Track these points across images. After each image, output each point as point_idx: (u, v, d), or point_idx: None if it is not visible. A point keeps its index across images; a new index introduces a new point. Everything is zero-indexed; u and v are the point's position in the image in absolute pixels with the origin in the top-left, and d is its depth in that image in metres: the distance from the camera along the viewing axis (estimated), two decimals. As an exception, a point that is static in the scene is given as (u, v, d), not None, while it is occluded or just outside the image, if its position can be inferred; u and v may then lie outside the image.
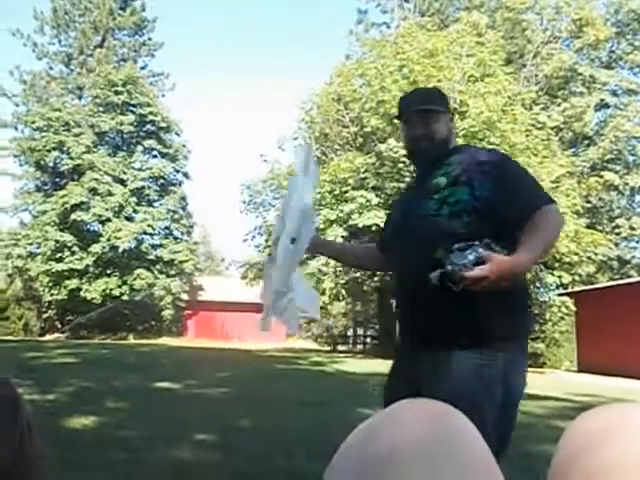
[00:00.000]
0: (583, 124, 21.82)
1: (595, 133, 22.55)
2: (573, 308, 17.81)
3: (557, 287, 18.56)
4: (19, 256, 27.73)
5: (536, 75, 20.77)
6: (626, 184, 21.69)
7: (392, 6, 27.82)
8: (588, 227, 17.33)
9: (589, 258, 16.33)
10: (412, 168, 16.08)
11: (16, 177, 31.35)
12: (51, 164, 29.54)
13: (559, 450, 0.49)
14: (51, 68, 32.94)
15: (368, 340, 32.40)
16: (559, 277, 17.08)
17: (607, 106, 22.67)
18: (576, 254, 15.72)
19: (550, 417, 5.91)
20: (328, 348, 29.70)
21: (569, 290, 18.15)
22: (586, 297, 17.52)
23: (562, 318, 18.48)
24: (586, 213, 18.77)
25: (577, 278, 17.52)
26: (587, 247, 16.06)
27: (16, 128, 31.39)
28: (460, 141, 15.65)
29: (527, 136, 16.24)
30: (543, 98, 20.09)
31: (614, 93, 22.54)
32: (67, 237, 27.33)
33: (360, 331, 35.43)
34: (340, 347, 31.11)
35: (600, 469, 0.42)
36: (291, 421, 5.19)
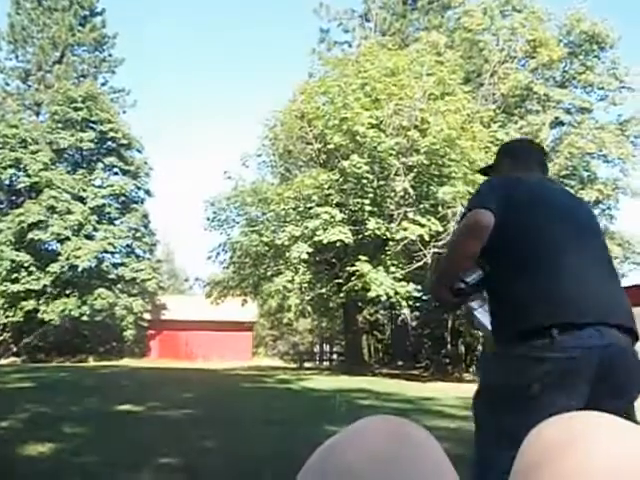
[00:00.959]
0: (539, 141, 22.51)
1: (551, 150, 23.27)
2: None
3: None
4: (-27, 277, 26.70)
5: (493, 94, 21.37)
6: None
7: (353, 25, 28.32)
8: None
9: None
10: (375, 184, 16.30)
11: (-30, 195, 30.31)
12: (7, 182, 28.69)
13: (519, 457, 0.49)
14: (7, 84, 32.21)
15: (334, 357, 32.34)
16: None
17: (562, 123, 23.45)
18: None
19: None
20: (294, 365, 29.51)
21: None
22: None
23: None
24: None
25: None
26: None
27: (-30, 145, 30.44)
28: (422, 158, 15.95)
29: (486, 153, 16.65)
30: (501, 116, 20.66)
31: (568, 111, 23.35)
32: (24, 257, 26.49)
33: (326, 348, 35.36)
34: (306, 364, 30.94)
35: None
36: (257, 440, 5.11)
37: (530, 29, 21.40)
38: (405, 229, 15.58)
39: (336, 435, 0.49)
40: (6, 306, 26.89)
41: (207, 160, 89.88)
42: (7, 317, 27.13)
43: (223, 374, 16.11)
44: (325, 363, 33.09)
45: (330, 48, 28.38)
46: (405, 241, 15.67)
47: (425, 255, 15.55)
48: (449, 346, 24.97)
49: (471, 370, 23.16)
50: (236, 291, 21.32)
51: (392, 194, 16.62)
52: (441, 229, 15.40)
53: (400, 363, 26.11)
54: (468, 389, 13.41)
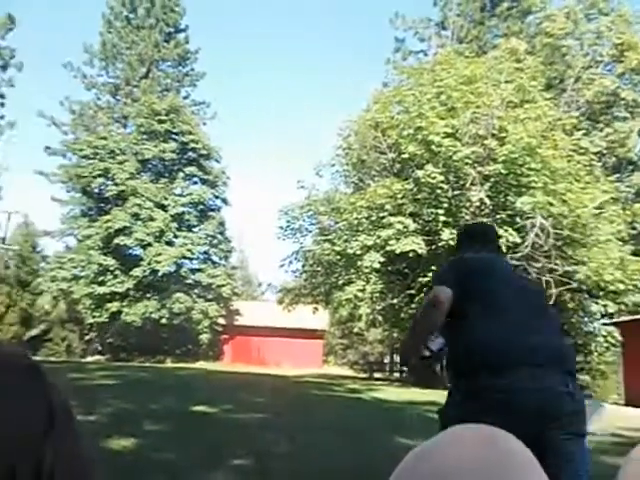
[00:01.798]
0: (627, 149, 21.32)
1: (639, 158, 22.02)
2: (619, 338, 17.17)
3: (602, 316, 17.96)
4: (64, 279, 28.54)
5: (577, 100, 20.48)
6: (673, 210, 20.97)
7: (429, 34, 28.05)
8: (634, 254, 16.78)
9: (635, 286, 15.77)
10: (450, 194, 15.99)
11: (63, 203, 32.52)
12: (96, 190, 30.54)
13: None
14: (99, 98, 34.37)
15: (405, 368, 31.87)
16: (604, 306, 16.54)
17: (652, 130, 22.11)
18: (621, 282, 15.22)
19: (597, 452, 5.66)
20: (364, 375, 29.35)
21: (615, 320, 17.52)
22: (633, 327, 16.87)
23: (608, 349, 17.82)
24: (631, 240, 18.19)
25: (623, 307, 16.93)
26: (633, 275, 15.54)
27: (64, 156, 32.68)
28: (499, 167, 15.50)
29: (569, 162, 15.96)
30: (585, 123, 19.75)
31: (659, 117, 21.99)
32: (110, 261, 28.06)
33: (397, 359, 34.91)
34: (376, 374, 30.70)
35: None
36: (327, 448, 5.13)
37: (617, 32, 20.39)
38: (481, 240, 15.17)
39: (428, 442, 0.51)
40: (93, 307, 28.54)
41: (281, 169, 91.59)
42: (93, 317, 28.79)
43: (294, 381, 16.28)
44: (395, 374, 32.69)
45: (405, 57, 28.26)
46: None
47: (502, 267, 15.07)
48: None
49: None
50: (308, 299, 21.53)
51: (467, 204, 16.24)
52: (519, 240, 14.86)
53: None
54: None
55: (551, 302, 15.17)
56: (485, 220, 15.73)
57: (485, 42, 26.58)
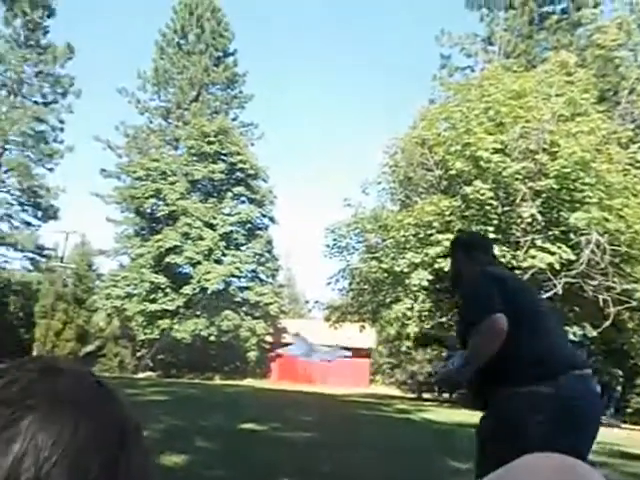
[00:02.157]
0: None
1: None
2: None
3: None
4: (118, 296, 29.45)
5: (632, 112, 19.79)
6: None
7: (476, 50, 27.81)
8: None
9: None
10: (499, 210, 15.65)
11: (117, 223, 33.70)
12: (149, 210, 31.53)
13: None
14: (151, 122, 35.65)
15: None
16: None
17: None
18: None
19: None
20: (412, 395, 28.83)
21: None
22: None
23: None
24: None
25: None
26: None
27: (119, 178, 33.95)
28: (551, 182, 15.11)
29: (625, 176, 15.41)
30: (641, 136, 19.06)
31: None
32: (161, 279, 28.80)
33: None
34: (425, 395, 30.10)
35: None
36: (377, 469, 5.05)
37: (674, 42, 19.69)
38: (533, 257, 14.75)
39: (500, 471, 0.50)
40: (144, 324, 29.30)
41: (328, 188, 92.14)
42: (145, 334, 29.53)
43: (341, 400, 16.15)
44: (444, 395, 31.96)
45: (452, 74, 28.08)
46: (533, 270, 14.83)
47: (555, 285, 14.57)
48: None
49: (607, 413, 21.11)
50: (354, 317, 21.41)
51: (518, 220, 15.87)
52: (573, 257, 14.38)
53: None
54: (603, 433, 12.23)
55: (609, 322, 14.58)
56: (537, 237, 15.34)
57: (534, 56, 26.12)
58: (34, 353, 30.61)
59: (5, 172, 31.03)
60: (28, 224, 32.09)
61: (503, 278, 2.52)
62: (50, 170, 32.49)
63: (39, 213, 31.98)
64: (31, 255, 32.02)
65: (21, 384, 0.44)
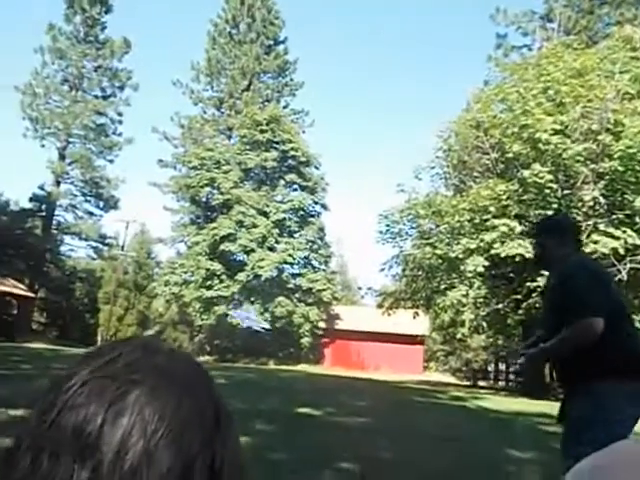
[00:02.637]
0: None
1: None
2: None
3: None
4: (175, 283, 30.35)
5: None
6: None
7: (534, 27, 26.81)
8: None
9: None
10: (559, 194, 15.12)
11: (174, 211, 34.63)
12: (204, 199, 32.24)
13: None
14: (205, 112, 36.30)
15: (511, 377, 30.55)
16: None
17: None
18: None
19: None
20: (467, 383, 28.48)
21: None
22: None
23: None
24: None
25: None
26: None
27: (175, 167, 34.87)
28: (615, 164, 14.45)
29: (696, 156, 14.57)
30: None
31: None
32: (216, 266, 29.45)
33: (502, 367, 33.56)
34: (480, 382, 29.67)
35: None
36: (433, 456, 5.04)
37: None
38: (596, 242, 14.19)
39: (599, 454, 0.49)
40: (201, 310, 30.09)
41: (380, 173, 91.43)
42: (202, 320, 30.34)
43: (394, 386, 16.14)
44: (500, 383, 31.40)
45: (507, 53, 27.21)
46: (595, 255, 14.27)
47: (620, 271, 13.97)
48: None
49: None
50: (408, 303, 21.27)
51: (579, 204, 15.28)
52: (639, 242, 13.75)
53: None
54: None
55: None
56: (599, 221, 14.76)
57: (596, 32, 24.95)
58: (98, 338, 32.07)
59: (69, 164, 32.41)
60: (91, 214, 33.52)
61: (601, 272, 2.64)
62: (110, 161, 33.78)
63: (101, 203, 33.30)
64: (94, 244, 33.45)
65: (125, 360, 0.46)
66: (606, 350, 2.42)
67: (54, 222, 32.51)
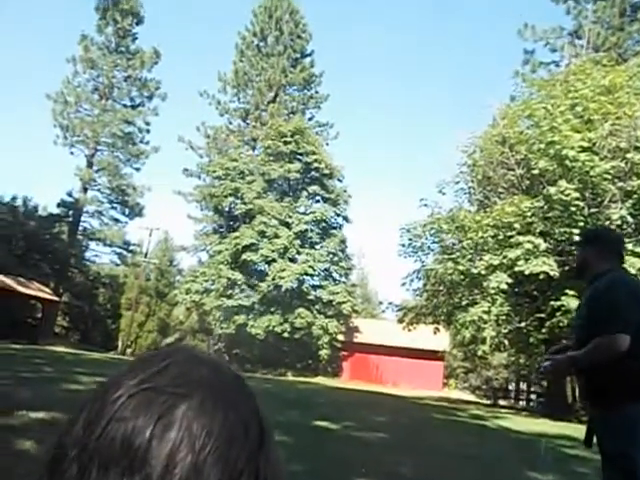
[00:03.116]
0: None
1: None
2: None
3: None
4: (196, 291, 30.56)
5: None
6: None
7: (562, 44, 26.62)
8: None
9: None
10: (586, 212, 14.89)
11: (197, 220, 34.98)
12: (227, 208, 32.52)
13: None
14: (230, 123, 36.73)
15: (533, 397, 29.98)
16: None
17: None
18: None
19: None
20: (487, 402, 28.01)
21: None
22: None
23: None
24: None
25: None
26: None
27: (199, 177, 35.27)
28: (644, 183, 14.20)
29: None
30: None
31: None
32: (237, 275, 29.60)
33: (523, 386, 32.97)
34: (501, 401, 29.17)
35: None
36: (452, 474, 4.96)
37: None
38: (622, 262, 13.94)
39: None
40: (221, 319, 30.21)
41: (404, 187, 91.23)
42: (222, 329, 30.45)
43: (413, 402, 15.95)
44: (521, 402, 30.83)
45: (535, 69, 27.03)
46: (622, 275, 14.01)
47: (647, 292, 13.68)
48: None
49: None
50: (428, 319, 21.07)
51: (607, 222, 15.02)
52: (667, 263, 13.47)
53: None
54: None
55: None
56: (627, 241, 14.49)
57: (625, 49, 24.68)
58: (119, 343, 32.40)
59: (96, 172, 33.02)
60: (116, 220, 34.04)
61: (637, 291, 2.63)
62: (137, 170, 34.34)
63: (126, 210, 33.80)
64: (118, 250, 33.92)
65: (173, 372, 0.45)
66: (622, 371, 2.44)
67: (80, 228, 33.10)
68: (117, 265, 35.31)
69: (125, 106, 33.78)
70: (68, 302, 32.86)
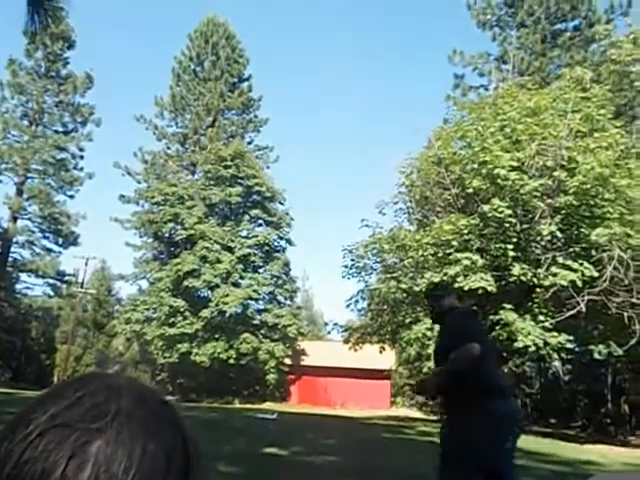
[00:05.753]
0: None
1: None
2: None
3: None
4: (137, 321, 29.61)
5: (650, 126, 19.62)
6: None
7: (489, 68, 27.93)
8: None
9: None
10: (518, 228, 15.48)
11: (136, 247, 34.05)
12: (167, 235, 31.85)
13: None
14: (169, 147, 36.20)
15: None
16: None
17: None
18: None
19: None
20: (434, 417, 28.35)
21: None
22: None
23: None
24: None
25: None
26: None
27: (137, 203, 34.42)
28: (570, 199, 14.96)
29: (646, 190, 15.20)
30: (661, 150, 18.83)
31: None
32: (180, 302, 28.91)
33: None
34: (447, 417, 29.59)
35: None
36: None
37: (691, 55, 19.57)
38: (554, 275, 14.54)
39: None
40: (164, 348, 29.34)
41: (344, 208, 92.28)
42: (164, 358, 29.55)
43: (362, 422, 15.95)
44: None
45: (465, 93, 28.17)
46: (554, 288, 14.61)
47: (578, 303, 14.31)
48: (610, 404, 22.48)
49: (639, 433, 20.55)
50: (374, 338, 21.20)
51: (538, 238, 15.69)
52: (596, 274, 14.14)
53: (552, 421, 23.97)
54: (636, 455, 11.89)
55: (635, 339, 14.25)
56: (557, 254, 15.18)
57: (548, 73, 26.15)
58: (54, 379, 30.81)
59: (27, 200, 31.63)
60: (49, 250, 32.57)
61: (477, 319, 3.81)
62: (71, 197, 33.10)
63: (60, 239, 32.46)
64: (52, 281, 32.40)
65: (85, 405, 0.42)
66: (471, 382, 3.20)
67: (10, 259, 31.47)
68: (50, 297, 33.70)
69: (57, 132, 32.68)
70: (-2, 338, 31.03)
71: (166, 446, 0.42)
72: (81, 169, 33.22)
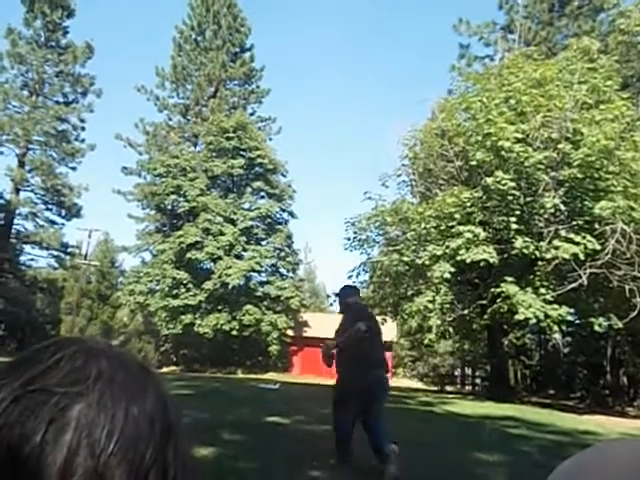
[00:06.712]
0: None
1: None
2: None
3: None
4: (140, 292, 29.79)
5: (657, 98, 19.36)
6: None
7: (495, 38, 27.45)
8: None
9: None
10: (522, 201, 15.42)
11: (139, 219, 34.07)
12: (169, 207, 31.81)
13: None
14: (170, 119, 35.90)
15: (478, 381, 30.98)
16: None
17: None
18: None
19: None
20: (435, 388, 28.73)
21: None
22: None
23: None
24: None
25: None
26: None
27: (139, 175, 34.32)
28: (575, 171, 14.85)
29: (651, 163, 15.08)
30: (667, 122, 18.61)
31: None
32: (183, 275, 29.04)
33: (469, 371, 34.00)
34: (448, 387, 29.99)
35: None
36: (405, 462, 5.04)
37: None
38: (557, 248, 14.53)
39: (575, 458, 0.48)
40: (167, 319, 29.60)
41: (348, 180, 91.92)
42: (168, 329, 29.84)
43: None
44: (467, 387, 31.81)
45: (470, 63, 27.77)
46: (557, 261, 14.62)
47: (580, 276, 14.33)
48: (609, 376, 22.71)
49: (636, 404, 20.81)
50: (376, 310, 21.34)
51: (541, 211, 15.63)
52: (598, 247, 14.13)
53: (551, 392, 24.27)
54: (633, 425, 12.05)
55: (635, 312, 14.30)
56: (560, 227, 15.15)
57: (555, 43, 25.70)
58: (60, 349, 31.16)
59: (29, 171, 31.56)
60: (52, 222, 32.62)
61: (367, 311, 5.53)
62: (73, 169, 33.01)
63: (63, 211, 32.47)
64: (56, 253, 32.54)
65: (63, 370, 0.40)
66: (355, 353, 4.72)
67: (13, 231, 31.56)
68: (55, 269, 33.87)
69: (58, 103, 32.39)
70: (3, 309, 31.34)
71: (149, 411, 0.41)
72: (82, 140, 33.07)
